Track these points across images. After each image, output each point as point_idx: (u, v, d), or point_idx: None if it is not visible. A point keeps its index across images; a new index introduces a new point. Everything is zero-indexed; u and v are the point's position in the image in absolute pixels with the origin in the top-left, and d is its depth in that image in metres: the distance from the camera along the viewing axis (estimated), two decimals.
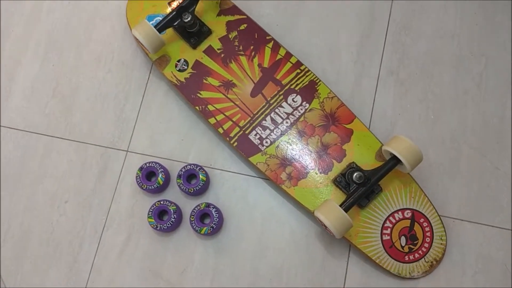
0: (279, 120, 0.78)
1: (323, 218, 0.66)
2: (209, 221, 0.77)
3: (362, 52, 0.85)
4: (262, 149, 0.77)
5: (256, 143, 0.78)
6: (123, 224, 0.80)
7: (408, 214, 0.73)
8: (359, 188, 0.70)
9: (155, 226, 0.76)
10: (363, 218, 0.73)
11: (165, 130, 0.84)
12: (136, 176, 0.79)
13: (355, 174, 0.70)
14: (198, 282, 0.76)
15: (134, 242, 0.79)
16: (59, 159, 0.84)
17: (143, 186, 0.79)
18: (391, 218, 0.73)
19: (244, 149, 0.78)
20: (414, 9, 0.87)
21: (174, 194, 0.81)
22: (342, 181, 0.73)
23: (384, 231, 0.72)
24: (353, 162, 0.74)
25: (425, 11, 0.87)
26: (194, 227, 0.76)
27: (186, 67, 0.82)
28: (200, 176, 0.78)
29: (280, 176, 0.76)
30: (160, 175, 0.79)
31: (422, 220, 0.73)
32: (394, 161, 0.69)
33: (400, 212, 0.73)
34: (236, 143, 0.78)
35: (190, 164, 0.79)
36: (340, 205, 0.67)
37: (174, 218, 0.76)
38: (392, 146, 0.69)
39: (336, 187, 0.74)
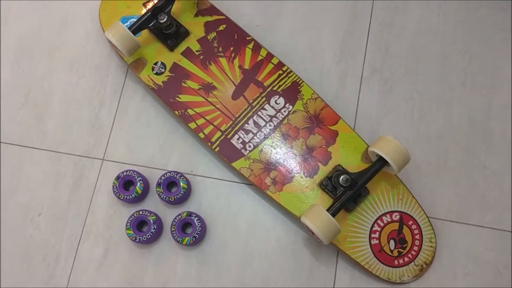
0: (262, 123, 0.75)
1: (309, 224, 0.63)
2: (191, 231, 0.73)
3: (345, 51, 0.83)
4: (245, 154, 0.74)
5: (238, 148, 0.75)
6: (100, 237, 0.76)
7: (396, 216, 0.71)
8: (346, 192, 0.67)
9: (134, 238, 0.73)
10: (350, 222, 0.70)
11: (143, 136, 0.81)
12: (113, 186, 0.75)
13: (341, 177, 0.68)
14: None
15: (112, 255, 0.75)
16: (32, 169, 0.80)
17: (120, 196, 0.75)
18: (379, 221, 0.71)
19: (227, 154, 0.75)
20: (397, 6, 0.86)
21: (153, 204, 0.77)
22: (329, 185, 0.70)
23: (373, 235, 0.70)
24: (339, 165, 0.72)
25: (408, 8, 0.85)
26: (176, 237, 0.72)
27: (163, 70, 0.79)
28: (181, 183, 0.75)
29: (265, 181, 0.73)
30: (138, 184, 0.75)
31: (410, 222, 0.71)
32: (381, 162, 0.67)
33: (388, 215, 0.71)
34: (218, 148, 0.75)
35: (170, 172, 0.76)
36: (327, 210, 0.65)
37: (154, 228, 0.73)
38: (379, 147, 0.66)
39: (322, 191, 0.71)
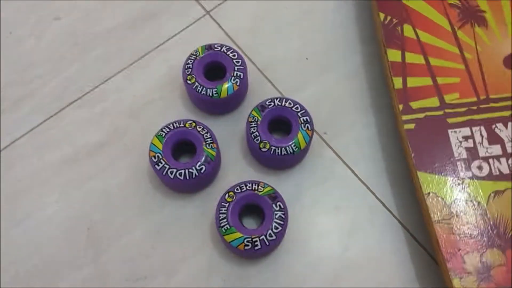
0: None
1: None
2: (257, 228, 0.33)
3: None
4: (461, 174, 0.32)
5: (455, 154, 0.33)
6: (108, 119, 0.39)
7: None
8: None
9: (155, 160, 0.34)
10: None
11: (289, 25, 0.42)
12: (191, 56, 0.37)
13: None
14: None
15: (104, 161, 0.38)
16: None
17: (190, 79, 0.37)
18: None
19: (420, 149, 0.33)
20: None
21: (229, 131, 0.39)
22: None
23: None
24: None
25: None
26: (221, 220, 0.33)
27: None
28: (300, 133, 0.35)
29: (464, 259, 0.30)
30: (231, 78, 0.36)
31: None
32: None
33: None
34: (412, 126, 0.34)
35: (289, 101, 0.36)
36: None
37: (198, 171, 0.34)
38: None
39: None
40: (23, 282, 0.34)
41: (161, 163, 0.34)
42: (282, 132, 0.37)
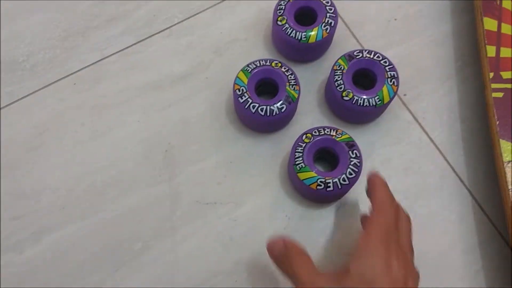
0: None
1: None
2: (331, 171, 0.34)
3: None
4: None
5: None
6: (194, 52, 0.40)
7: None
8: None
9: (239, 93, 0.35)
10: None
11: None
12: None
13: None
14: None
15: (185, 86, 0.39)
16: None
17: (280, 21, 0.37)
18: None
19: (506, 118, 0.33)
20: None
21: (308, 84, 0.39)
22: None
23: None
24: None
25: None
26: (296, 158, 0.34)
27: None
28: (385, 87, 0.35)
29: None
30: (322, 25, 0.37)
31: None
32: None
33: None
34: (501, 95, 0.33)
35: (378, 54, 0.36)
36: None
37: (278, 109, 0.35)
38: None
39: None
40: (98, 191, 0.36)
41: (245, 96, 0.35)
42: (363, 87, 0.37)
